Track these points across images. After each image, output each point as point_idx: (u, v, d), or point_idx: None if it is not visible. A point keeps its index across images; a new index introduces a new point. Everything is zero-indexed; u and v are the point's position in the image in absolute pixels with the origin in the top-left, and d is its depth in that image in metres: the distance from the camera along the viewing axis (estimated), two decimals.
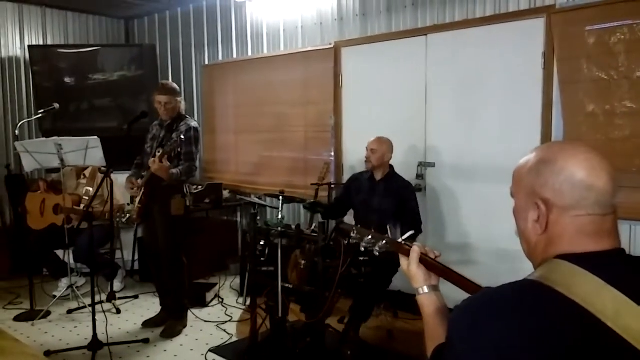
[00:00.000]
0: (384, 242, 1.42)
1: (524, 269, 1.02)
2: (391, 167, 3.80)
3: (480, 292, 1.00)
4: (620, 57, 3.24)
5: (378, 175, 3.76)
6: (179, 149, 3.61)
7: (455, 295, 1.27)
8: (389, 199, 3.67)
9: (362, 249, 1.46)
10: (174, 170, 3.61)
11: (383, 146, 3.72)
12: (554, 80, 3.51)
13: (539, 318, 0.87)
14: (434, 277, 1.31)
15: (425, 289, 1.29)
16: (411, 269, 1.32)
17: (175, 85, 3.92)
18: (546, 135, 3.56)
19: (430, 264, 1.31)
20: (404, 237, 1.42)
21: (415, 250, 1.32)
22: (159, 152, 3.55)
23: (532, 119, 3.61)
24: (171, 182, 3.66)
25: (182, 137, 3.57)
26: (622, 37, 3.22)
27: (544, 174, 0.97)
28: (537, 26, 3.55)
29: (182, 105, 3.90)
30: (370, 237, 1.45)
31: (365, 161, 3.77)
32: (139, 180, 3.77)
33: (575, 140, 3.39)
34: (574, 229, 0.95)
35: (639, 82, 3.19)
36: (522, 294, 0.92)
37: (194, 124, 3.83)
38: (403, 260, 1.36)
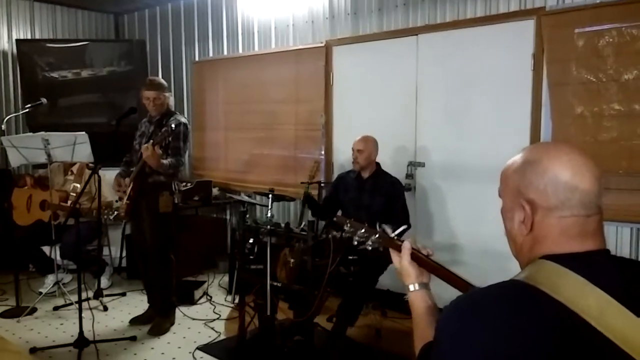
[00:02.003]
0: (377, 236, 1.43)
1: (512, 269, 1.02)
2: (377, 164, 3.81)
3: (467, 293, 1.01)
4: (609, 59, 3.27)
5: (365, 174, 3.77)
6: (170, 139, 3.58)
7: (446, 295, 1.28)
8: (378, 196, 3.69)
9: (355, 242, 1.47)
10: (164, 161, 3.59)
11: (369, 145, 3.71)
12: (543, 82, 3.54)
13: (524, 318, 0.88)
14: (425, 274, 1.32)
15: (417, 286, 1.29)
16: (403, 264, 1.32)
17: (163, 81, 3.90)
18: (535, 136, 3.59)
19: (422, 261, 1.32)
20: (396, 232, 1.42)
21: (407, 247, 1.33)
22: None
23: (521, 120, 3.64)
24: (157, 173, 3.63)
25: (173, 126, 3.54)
26: (611, 40, 3.25)
27: (528, 175, 0.98)
28: (527, 28, 3.58)
29: (171, 101, 3.87)
30: (363, 231, 1.45)
31: (353, 162, 3.76)
32: (126, 179, 3.75)
33: (564, 141, 3.42)
34: (559, 229, 0.96)
35: (627, 85, 3.23)
36: (508, 295, 0.93)
37: (183, 119, 3.81)
38: (395, 256, 1.36)
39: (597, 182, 0.95)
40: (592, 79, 3.34)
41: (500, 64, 3.73)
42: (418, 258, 1.32)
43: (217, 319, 4.06)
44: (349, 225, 1.47)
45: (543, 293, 0.89)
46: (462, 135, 3.96)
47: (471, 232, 3.95)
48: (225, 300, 4.49)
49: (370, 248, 1.44)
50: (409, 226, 3.68)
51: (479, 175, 3.85)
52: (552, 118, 3.51)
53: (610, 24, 3.24)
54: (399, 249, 1.35)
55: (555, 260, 0.93)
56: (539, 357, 0.85)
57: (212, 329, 3.86)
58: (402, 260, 1.32)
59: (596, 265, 0.94)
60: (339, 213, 3.94)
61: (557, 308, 0.88)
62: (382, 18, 4.34)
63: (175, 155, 3.70)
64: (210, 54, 5.78)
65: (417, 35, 4.12)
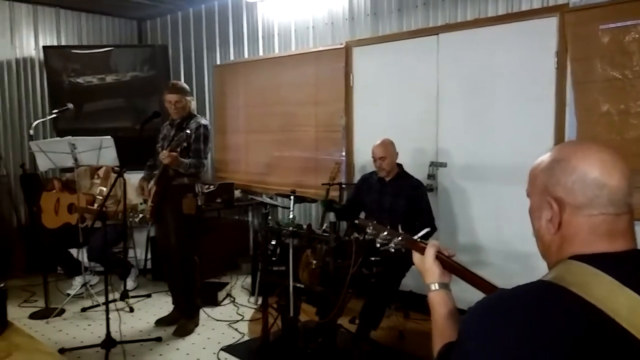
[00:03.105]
0: (399, 238, 1.43)
1: (535, 270, 1.02)
2: (400, 166, 3.79)
3: (494, 293, 1.00)
4: (635, 56, 3.20)
5: (388, 177, 3.75)
6: (185, 144, 3.63)
7: (466, 296, 1.27)
8: (400, 199, 3.67)
9: (378, 245, 1.47)
10: (185, 160, 3.64)
11: (389, 149, 3.69)
12: (567, 80, 3.49)
13: (553, 319, 0.87)
14: (446, 275, 1.32)
15: (437, 286, 1.29)
16: (427, 262, 1.32)
17: (185, 85, 3.95)
18: (559, 136, 3.53)
19: (445, 262, 1.32)
20: (419, 234, 1.43)
21: (434, 245, 1.34)
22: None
23: (545, 119, 3.59)
24: (180, 176, 3.69)
25: (188, 131, 3.60)
26: (637, 35, 3.19)
27: (556, 173, 0.97)
28: (549, 25, 3.53)
29: (193, 105, 3.92)
30: (385, 233, 1.46)
31: (378, 170, 3.72)
32: (150, 183, 3.81)
33: (593, 140, 3.36)
34: (588, 228, 0.94)
35: None
36: (536, 295, 0.92)
37: (204, 121, 3.85)
38: (416, 256, 1.37)
39: (626, 180, 0.94)
40: (617, 76, 3.28)
41: (523, 63, 3.68)
42: (441, 259, 1.32)
43: (241, 320, 4.09)
44: (371, 228, 1.48)
45: (572, 293, 0.89)
46: (484, 135, 3.92)
47: (494, 232, 3.91)
48: (249, 301, 4.52)
49: (393, 250, 1.45)
50: (435, 228, 3.66)
51: (502, 175, 3.80)
52: (577, 117, 3.45)
53: (636, 20, 3.17)
54: (421, 251, 1.35)
55: (584, 261, 0.92)
56: (567, 357, 0.84)
57: (236, 330, 3.89)
58: (426, 259, 1.33)
59: (627, 266, 0.92)
60: (362, 215, 3.94)
61: (587, 308, 0.87)
62: (402, 18, 4.33)
63: (197, 157, 3.75)
64: (231, 58, 5.83)
65: (437, 34, 4.10)
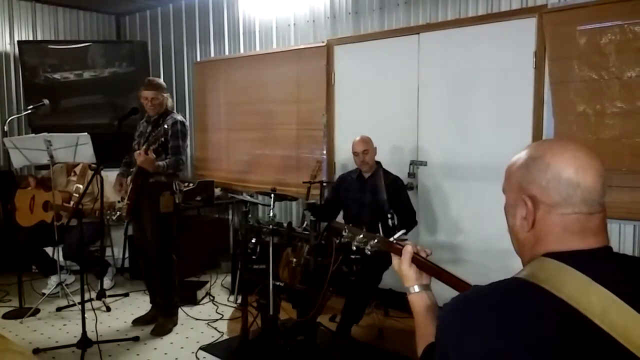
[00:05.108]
0: (376, 241, 1.42)
1: (514, 267, 1.02)
2: (378, 162, 3.81)
3: (468, 291, 1.00)
4: (611, 57, 3.26)
5: (367, 173, 3.77)
6: (162, 139, 3.58)
7: (448, 294, 1.27)
8: (380, 195, 3.68)
9: (354, 248, 1.46)
10: (160, 163, 3.60)
11: (370, 143, 3.73)
12: (545, 80, 3.53)
13: (526, 316, 0.88)
14: (425, 276, 1.31)
15: (416, 288, 1.29)
16: (403, 267, 1.32)
17: (161, 81, 3.90)
18: (537, 134, 3.58)
19: (421, 263, 1.31)
20: (396, 236, 1.42)
21: (408, 250, 1.32)
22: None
23: (523, 118, 3.63)
24: (158, 174, 3.65)
25: (166, 126, 3.56)
26: (613, 37, 3.24)
27: (531, 171, 0.97)
28: (528, 26, 3.57)
29: (169, 102, 3.88)
30: (361, 236, 1.44)
31: (361, 164, 3.74)
32: (128, 179, 3.76)
33: (569, 138, 3.40)
34: (561, 227, 0.95)
35: (629, 83, 3.21)
36: (509, 292, 0.93)
37: (180, 117, 3.81)
38: (395, 259, 1.36)
39: (600, 180, 0.95)
40: (594, 76, 3.33)
41: (502, 62, 3.72)
42: (417, 261, 1.32)
43: (220, 319, 4.06)
44: (347, 230, 1.47)
45: (545, 290, 0.89)
46: (464, 134, 3.96)
47: (474, 230, 3.94)
48: (228, 300, 4.49)
49: (369, 252, 1.44)
50: (416, 222, 3.70)
51: (481, 173, 3.84)
52: (554, 116, 3.50)
53: (613, 21, 3.23)
54: (398, 253, 1.34)
55: (557, 258, 0.93)
56: (540, 354, 0.85)
57: (215, 329, 3.86)
58: (402, 264, 1.32)
59: (598, 263, 0.93)
60: (341, 214, 3.94)
61: (559, 305, 0.87)
62: (383, 17, 4.34)
63: (176, 154, 3.70)
64: (212, 54, 5.78)
65: (418, 34, 4.12)
